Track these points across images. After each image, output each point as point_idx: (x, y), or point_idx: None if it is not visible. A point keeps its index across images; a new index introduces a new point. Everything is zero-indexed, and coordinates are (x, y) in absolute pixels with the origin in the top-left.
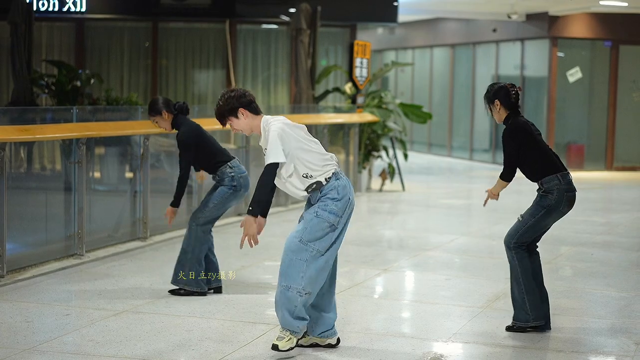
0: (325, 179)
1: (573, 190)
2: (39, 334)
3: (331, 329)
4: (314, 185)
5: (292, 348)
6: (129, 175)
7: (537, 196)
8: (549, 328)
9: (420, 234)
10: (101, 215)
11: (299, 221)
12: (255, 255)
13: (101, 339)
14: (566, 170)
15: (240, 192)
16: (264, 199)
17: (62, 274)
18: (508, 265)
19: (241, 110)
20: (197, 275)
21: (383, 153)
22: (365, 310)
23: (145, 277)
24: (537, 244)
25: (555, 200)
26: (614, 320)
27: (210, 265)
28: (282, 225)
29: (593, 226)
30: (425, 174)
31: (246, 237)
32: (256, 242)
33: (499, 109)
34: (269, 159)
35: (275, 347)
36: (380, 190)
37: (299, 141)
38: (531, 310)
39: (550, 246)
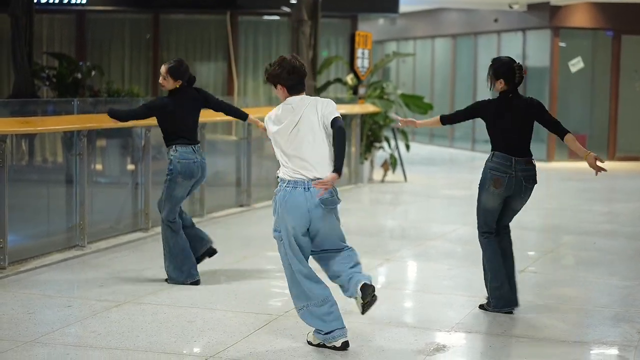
0: (277, 176)
1: (501, 171)
2: (41, 325)
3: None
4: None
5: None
6: (130, 167)
7: None
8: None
9: (422, 224)
10: (103, 206)
11: None
12: (257, 245)
13: (103, 330)
14: (510, 153)
15: (179, 179)
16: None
17: (64, 266)
18: (483, 251)
19: (280, 87)
20: (184, 265)
21: (385, 144)
22: None
23: (147, 268)
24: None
25: (482, 176)
26: (617, 309)
27: (195, 237)
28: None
29: (595, 215)
30: (427, 165)
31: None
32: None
33: (501, 86)
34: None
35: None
36: (382, 181)
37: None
38: (493, 297)
39: (552, 235)
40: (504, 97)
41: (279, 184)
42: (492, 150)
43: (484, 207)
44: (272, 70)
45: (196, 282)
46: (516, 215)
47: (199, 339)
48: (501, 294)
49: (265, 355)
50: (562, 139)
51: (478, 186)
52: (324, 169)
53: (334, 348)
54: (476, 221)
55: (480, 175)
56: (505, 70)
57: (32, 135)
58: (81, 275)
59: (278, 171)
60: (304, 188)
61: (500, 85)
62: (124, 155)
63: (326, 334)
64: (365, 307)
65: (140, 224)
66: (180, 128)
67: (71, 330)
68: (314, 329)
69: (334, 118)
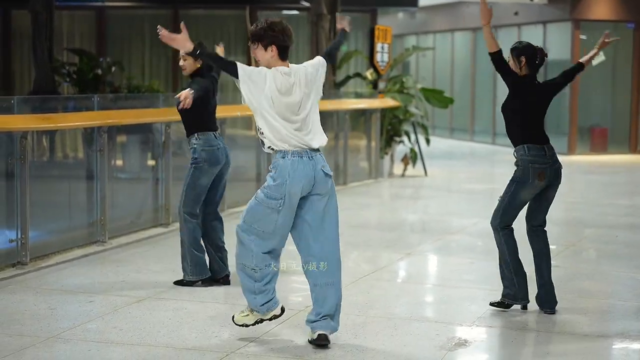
0: (269, 147)
1: (540, 162)
2: (62, 321)
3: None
4: (262, 142)
5: (246, 325)
6: (150, 162)
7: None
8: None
9: (442, 218)
10: (123, 202)
11: None
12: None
13: (124, 326)
14: (541, 142)
15: (204, 166)
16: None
17: (85, 261)
18: (529, 247)
19: (273, 47)
20: (199, 262)
21: (405, 138)
22: (388, 294)
23: (168, 264)
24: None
25: (522, 173)
26: (639, 303)
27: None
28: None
29: (617, 208)
30: (447, 159)
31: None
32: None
33: (522, 65)
34: (239, 65)
35: (232, 317)
36: (403, 175)
37: (272, 105)
38: (520, 290)
39: (574, 228)
40: (530, 82)
41: (280, 153)
42: (522, 142)
43: (520, 201)
44: (265, 27)
45: (208, 280)
46: None
47: (220, 334)
48: (525, 285)
49: (287, 350)
50: (582, 69)
51: (514, 184)
52: (321, 137)
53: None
54: (499, 217)
55: (517, 171)
56: (530, 51)
57: (52, 131)
58: (102, 270)
59: (268, 142)
60: (309, 157)
61: (523, 61)
62: (144, 151)
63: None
64: (312, 342)
65: (161, 220)
66: (203, 115)
67: (92, 325)
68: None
69: (325, 58)
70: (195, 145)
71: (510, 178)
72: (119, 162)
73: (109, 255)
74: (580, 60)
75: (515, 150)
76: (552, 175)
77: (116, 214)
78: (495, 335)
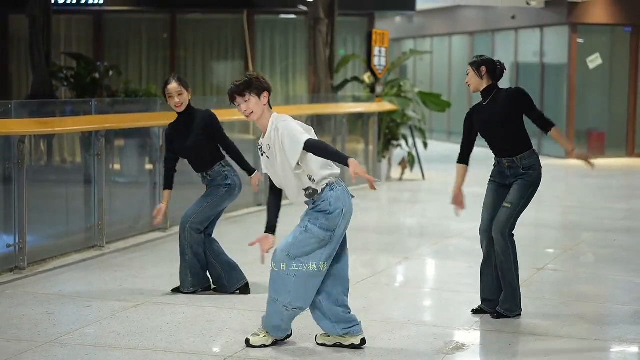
0: (321, 188)
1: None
2: (60, 326)
3: (354, 327)
4: (311, 191)
5: (265, 345)
6: (148, 167)
7: (513, 176)
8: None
9: (440, 222)
10: (121, 207)
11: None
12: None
13: (122, 331)
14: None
15: (235, 192)
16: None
17: (83, 266)
18: (511, 253)
19: (266, 93)
20: (199, 274)
21: (402, 142)
22: (386, 298)
23: (166, 268)
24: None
25: (538, 175)
26: (637, 307)
27: (231, 269)
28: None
29: (615, 212)
30: (445, 163)
31: None
32: None
33: (483, 75)
34: (304, 137)
35: (247, 341)
36: (400, 179)
37: (311, 134)
38: (519, 299)
39: (571, 232)
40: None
41: (329, 185)
42: (529, 147)
43: (525, 205)
44: (261, 79)
45: (208, 287)
46: (536, 213)
47: (218, 339)
48: (520, 294)
49: (285, 354)
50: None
51: (530, 188)
52: None
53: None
54: (509, 225)
55: (532, 175)
56: (487, 59)
57: (50, 135)
58: (100, 275)
59: (320, 179)
60: (344, 186)
61: (483, 71)
62: (142, 155)
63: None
64: (337, 345)
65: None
66: (217, 146)
67: (90, 330)
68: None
69: None
70: (226, 172)
71: (518, 184)
72: (117, 167)
73: (106, 260)
74: (554, 129)
75: (523, 157)
76: None
77: (114, 218)
78: (493, 339)
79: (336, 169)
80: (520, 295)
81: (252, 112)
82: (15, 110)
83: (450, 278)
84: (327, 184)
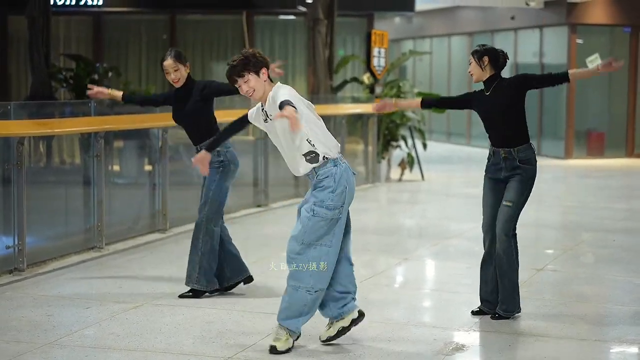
0: (324, 156)
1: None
2: (59, 327)
3: (348, 303)
4: (312, 155)
5: (289, 349)
6: (147, 168)
7: (508, 169)
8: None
9: (440, 223)
10: (120, 208)
11: (298, 213)
12: (275, 245)
13: (122, 332)
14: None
15: (231, 168)
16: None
17: (82, 267)
18: (513, 253)
19: (264, 69)
20: (208, 273)
21: (402, 143)
22: (386, 299)
23: (165, 269)
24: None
25: (534, 170)
26: (637, 307)
27: (233, 259)
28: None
29: (614, 212)
30: (444, 163)
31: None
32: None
33: (486, 65)
34: (284, 98)
35: (273, 349)
36: (400, 180)
37: (310, 108)
38: (518, 299)
39: (571, 232)
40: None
41: (333, 161)
42: (527, 141)
43: (525, 201)
44: (257, 54)
45: (214, 291)
46: (536, 213)
47: (218, 340)
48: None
49: (284, 355)
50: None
51: (527, 182)
52: None
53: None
54: (512, 223)
55: (529, 170)
56: (490, 48)
57: (49, 137)
58: (99, 276)
59: (323, 150)
60: (346, 164)
61: (486, 61)
62: (141, 156)
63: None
64: (342, 331)
65: (158, 225)
66: (213, 118)
67: (90, 332)
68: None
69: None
70: (218, 149)
71: (516, 180)
72: (116, 168)
73: (106, 262)
74: (570, 73)
75: (519, 149)
76: None
77: (113, 219)
78: (493, 340)
79: (336, 144)
80: (518, 296)
81: (254, 90)
82: (15, 112)
83: (450, 279)
84: (330, 158)
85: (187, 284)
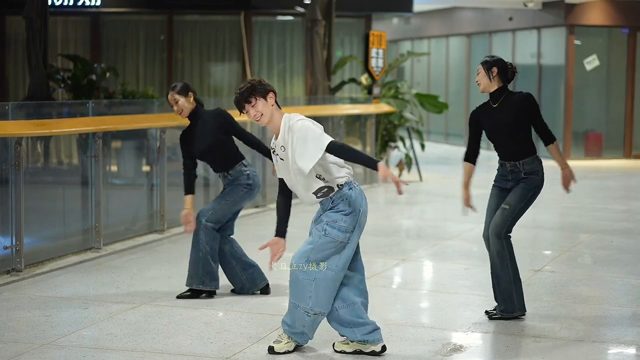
0: (338, 185)
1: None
2: (57, 328)
3: (372, 332)
4: (325, 190)
5: (289, 351)
6: (145, 168)
7: (514, 180)
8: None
9: (438, 224)
10: (118, 208)
11: (310, 232)
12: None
13: (119, 333)
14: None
15: (255, 192)
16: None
17: (80, 268)
18: (506, 255)
19: (272, 94)
20: (211, 272)
21: (400, 143)
22: (384, 300)
23: (163, 270)
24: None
25: (540, 180)
26: (634, 308)
27: (252, 270)
28: (300, 215)
29: (612, 213)
30: (442, 164)
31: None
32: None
33: (494, 76)
34: (326, 139)
35: (271, 349)
36: None
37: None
38: (517, 300)
39: (569, 234)
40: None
41: (348, 184)
42: (534, 153)
43: (525, 209)
44: (264, 82)
45: (212, 293)
46: (533, 214)
47: (216, 341)
48: (522, 294)
49: (282, 356)
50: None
51: (531, 192)
52: None
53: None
54: (507, 226)
55: (535, 180)
56: (499, 59)
57: (47, 137)
58: (97, 277)
59: (328, 183)
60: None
61: (494, 72)
62: (139, 157)
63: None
64: (358, 352)
65: (156, 226)
66: (234, 144)
67: (87, 332)
68: (343, 337)
69: None
70: (248, 172)
71: (520, 187)
72: (114, 168)
73: (104, 262)
74: (553, 145)
75: (525, 162)
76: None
77: (111, 220)
78: (491, 341)
79: (349, 168)
80: (519, 296)
81: (262, 114)
82: (12, 112)
83: (448, 280)
84: (345, 182)
85: (188, 284)
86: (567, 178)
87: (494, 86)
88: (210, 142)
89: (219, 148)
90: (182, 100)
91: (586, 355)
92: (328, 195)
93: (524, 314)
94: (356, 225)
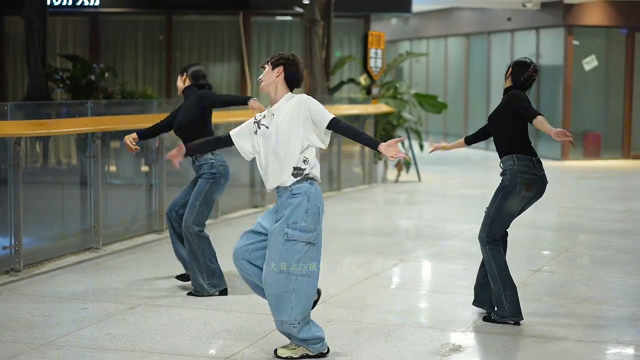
0: (307, 175)
1: (529, 173)
2: (56, 328)
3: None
4: (299, 171)
5: (292, 358)
6: (144, 168)
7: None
8: (522, 318)
9: (437, 224)
10: (117, 208)
11: (270, 230)
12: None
13: (118, 333)
14: (530, 154)
15: (221, 182)
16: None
17: (79, 268)
18: (491, 260)
19: (280, 68)
20: (215, 273)
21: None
22: (382, 300)
23: (162, 270)
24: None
25: (510, 182)
26: (633, 308)
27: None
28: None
29: (611, 214)
30: (441, 165)
31: None
32: None
33: (508, 75)
34: (328, 116)
35: (275, 352)
36: (396, 181)
37: None
38: (509, 306)
39: (568, 234)
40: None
41: (310, 179)
42: (510, 153)
43: (507, 212)
44: (285, 58)
45: (224, 291)
46: (532, 214)
47: (214, 341)
48: (515, 300)
49: (280, 357)
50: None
51: (500, 192)
52: None
53: (323, 355)
54: (485, 230)
55: (504, 180)
56: (522, 65)
57: (46, 137)
58: (96, 277)
59: (310, 170)
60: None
61: (509, 70)
62: (138, 157)
63: (322, 340)
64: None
65: (155, 226)
66: (211, 131)
67: (86, 332)
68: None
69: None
70: (212, 161)
71: (497, 189)
72: (113, 168)
73: (102, 262)
74: (538, 119)
75: (503, 160)
76: (539, 188)
77: (110, 220)
78: (489, 341)
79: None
80: (511, 303)
81: (262, 80)
82: (11, 112)
83: (447, 280)
84: (313, 177)
85: (200, 295)
86: (561, 132)
87: (507, 84)
88: (183, 117)
89: (190, 125)
90: (178, 78)
91: (585, 355)
92: (297, 177)
93: (520, 321)
94: (318, 222)
